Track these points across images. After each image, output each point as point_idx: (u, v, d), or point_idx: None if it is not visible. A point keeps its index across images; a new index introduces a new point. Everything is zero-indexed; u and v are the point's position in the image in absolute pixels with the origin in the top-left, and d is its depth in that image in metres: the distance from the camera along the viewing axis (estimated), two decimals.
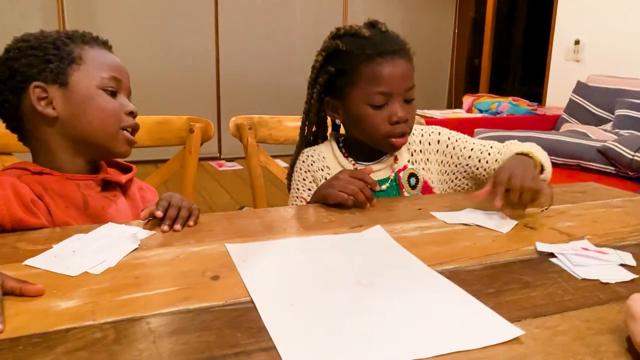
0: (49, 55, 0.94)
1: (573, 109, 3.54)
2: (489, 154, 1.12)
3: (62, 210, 0.91)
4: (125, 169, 1.08)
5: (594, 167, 2.74)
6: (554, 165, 3.10)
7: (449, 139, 1.16)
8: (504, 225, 0.91)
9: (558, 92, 4.02)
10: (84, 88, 0.95)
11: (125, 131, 0.99)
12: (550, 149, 2.81)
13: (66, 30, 1.01)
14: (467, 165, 1.14)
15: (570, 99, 3.58)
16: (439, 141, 1.16)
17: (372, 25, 1.11)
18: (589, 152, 2.76)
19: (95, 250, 0.76)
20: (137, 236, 0.81)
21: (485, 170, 1.12)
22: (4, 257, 0.74)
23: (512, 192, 0.90)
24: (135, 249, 0.78)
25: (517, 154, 1.03)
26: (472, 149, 1.14)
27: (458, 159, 1.15)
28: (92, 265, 0.71)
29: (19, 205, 0.85)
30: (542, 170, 1.05)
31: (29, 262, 0.72)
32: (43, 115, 0.93)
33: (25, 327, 0.56)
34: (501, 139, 1.15)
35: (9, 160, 1.25)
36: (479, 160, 1.12)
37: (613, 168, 2.68)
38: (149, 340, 0.55)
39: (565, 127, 3.43)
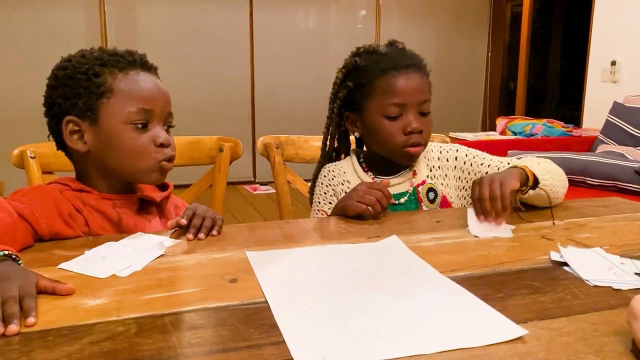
0: (80, 88, 0.95)
1: (610, 130, 3.47)
2: (500, 170, 1.12)
3: (99, 224, 0.96)
4: (162, 186, 1.11)
5: (630, 188, 2.67)
6: (590, 186, 2.99)
7: (466, 155, 1.19)
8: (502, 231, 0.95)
9: (595, 113, 3.95)
10: (112, 124, 0.95)
11: (159, 163, 0.97)
12: (586, 169, 2.79)
13: (103, 52, 0.99)
14: None
15: (607, 120, 3.51)
16: (456, 158, 1.19)
17: (390, 44, 1.18)
18: (625, 173, 2.70)
19: (123, 256, 0.81)
20: (164, 244, 0.86)
21: None
22: (41, 262, 0.79)
23: (482, 202, 0.95)
24: (161, 256, 0.82)
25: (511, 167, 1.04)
26: (488, 165, 1.16)
27: (475, 175, 1.16)
28: (120, 269, 0.75)
29: (58, 218, 0.91)
30: (536, 182, 1.03)
31: (62, 265, 0.77)
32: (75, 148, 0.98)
33: (56, 321, 0.61)
34: None
35: (50, 179, 1.33)
36: None
37: None
38: (167, 333, 0.59)
39: (601, 149, 3.37)
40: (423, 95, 1.12)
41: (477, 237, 0.93)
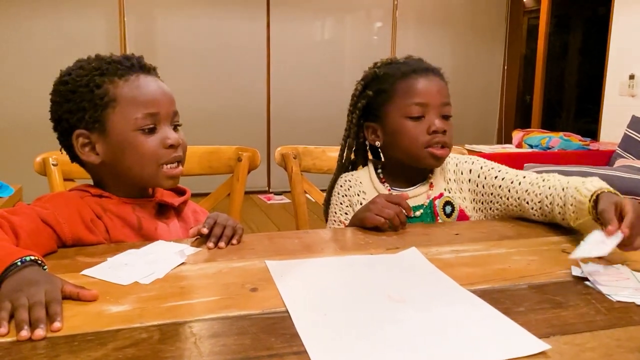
0: (84, 101, 0.95)
1: (628, 144, 3.44)
2: (519, 183, 1.11)
3: (119, 230, 0.97)
4: (181, 192, 1.12)
5: None
6: None
7: (481, 168, 1.17)
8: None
9: (612, 127, 3.92)
10: (121, 133, 0.95)
11: (166, 166, 0.98)
12: None
13: (100, 61, 0.99)
14: (497, 195, 1.14)
15: (625, 134, 3.49)
16: (471, 170, 1.18)
17: (407, 57, 1.20)
18: None
19: (145, 263, 0.81)
20: (184, 252, 0.86)
21: (515, 200, 1.11)
22: (65, 268, 0.80)
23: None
24: (182, 264, 0.83)
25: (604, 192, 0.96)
26: (503, 178, 1.14)
27: (490, 188, 1.15)
28: (142, 276, 0.76)
29: (80, 223, 0.92)
30: None
31: (86, 272, 0.78)
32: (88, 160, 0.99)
33: (81, 326, 0.62)
34: None
35: (71, 186, 1.35)
36: (509, 190, 1.12)
37: None
38: (190, 341, 0.59)
39: (619, 163, 3.33)
40: (445, 98, 1.13)
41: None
